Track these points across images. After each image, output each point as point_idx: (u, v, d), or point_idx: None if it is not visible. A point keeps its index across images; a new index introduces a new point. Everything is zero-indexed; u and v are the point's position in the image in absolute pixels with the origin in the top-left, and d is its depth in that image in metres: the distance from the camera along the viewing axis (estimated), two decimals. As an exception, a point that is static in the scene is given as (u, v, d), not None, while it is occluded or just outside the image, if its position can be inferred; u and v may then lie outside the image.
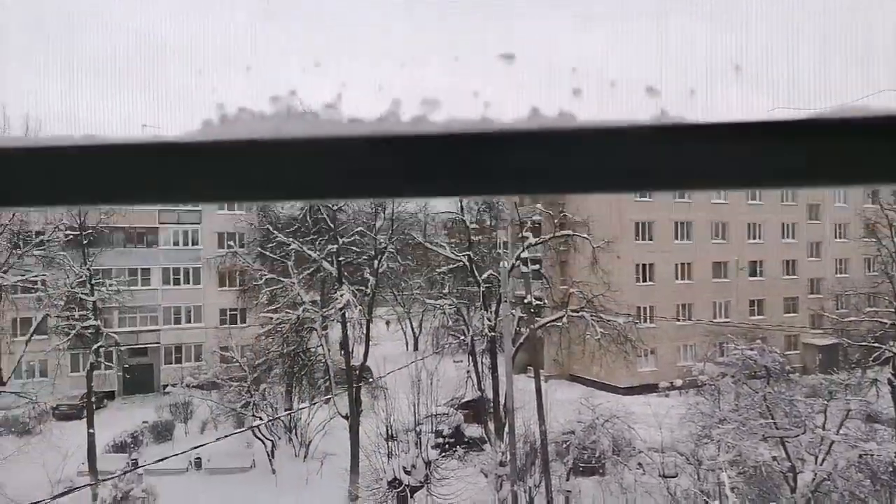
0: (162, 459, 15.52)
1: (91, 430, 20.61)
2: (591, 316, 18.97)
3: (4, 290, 21.61)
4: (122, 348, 24.82)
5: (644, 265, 30.46)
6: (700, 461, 15.60)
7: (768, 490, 14.19)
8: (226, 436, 16.90)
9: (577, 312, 19.48)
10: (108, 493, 19.57)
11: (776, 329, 25.80)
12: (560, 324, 19.65)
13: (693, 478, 16.37)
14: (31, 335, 21.95)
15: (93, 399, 21.65)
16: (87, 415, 21.30)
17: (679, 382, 24.34)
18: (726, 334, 22.43)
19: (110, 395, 29.92)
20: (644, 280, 30.43)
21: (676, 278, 31.31)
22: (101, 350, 21.62)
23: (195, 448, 17.74)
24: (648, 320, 27.93)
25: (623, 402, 20.46)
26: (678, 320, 28.48)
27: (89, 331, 21.39)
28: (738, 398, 16.39)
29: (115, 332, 24.56)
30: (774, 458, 13.59)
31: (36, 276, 21.51)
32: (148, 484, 20.07)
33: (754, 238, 33.75)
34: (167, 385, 28.91)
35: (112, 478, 19.66)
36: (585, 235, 20.20)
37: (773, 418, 14.35)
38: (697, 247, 31.51)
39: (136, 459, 21.09)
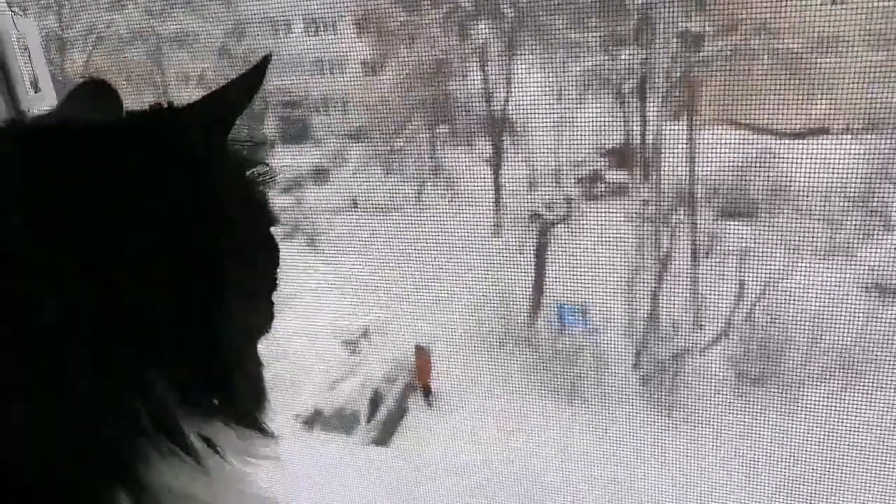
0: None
1: (260, 173, 22.93)
2: (762, 44, 16.55)
3: (164, 43, 22.95)
4: (277, 99, 26.14)
5: (837, -17, 25.32)
6: (869, 203, 14.32)
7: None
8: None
9: (746, 41, 17.04)
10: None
11: None
12: (723, 54, 17.43)
13: (857, 222, 15.23)
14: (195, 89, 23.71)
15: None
16: (255, 160, 23.57)
17: (860, 124, 21.56)
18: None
19: (270, 144, 32.76)
20: (835, 1, 25.48)
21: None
22: (257, 99, 23.03)
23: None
24: (833, 53, 24.02)
25: (788, 145, 18.71)
26: (873, 51, 24.19)
27: (244, 80, 22.64)
28: (934, 134, 14.27)
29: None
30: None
31: (188, 26, 22.44)
32: (313, 219, 22.60)
33: None
34: (319, 134, 30.82)
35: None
36: (766, -55, 16.83)
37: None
38: None
39: (300, 199, 23.46)
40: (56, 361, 0.31)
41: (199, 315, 0.39)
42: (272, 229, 0.44)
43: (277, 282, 0.47)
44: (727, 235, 16.71)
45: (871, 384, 12.20)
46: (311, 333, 14.27)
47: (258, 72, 0.38)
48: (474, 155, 22.31)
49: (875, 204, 14.31)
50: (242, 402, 0.46)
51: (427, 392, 13.09)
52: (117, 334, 0.34)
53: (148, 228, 0.38)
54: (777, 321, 12.41)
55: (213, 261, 0.39)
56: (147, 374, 0.37)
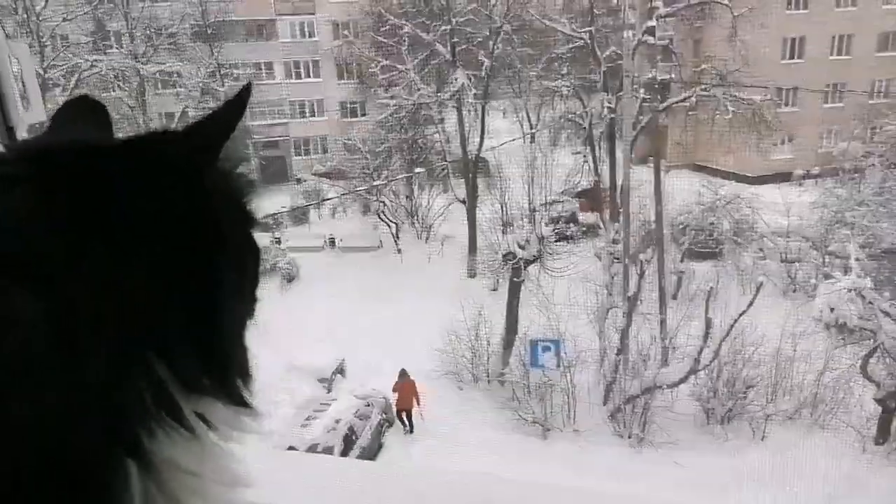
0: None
1: (237, 213, 23.06)
2: (724, 94, 17.40)
3: (148, 83, 23.33)
4: (257, 139, 26.56)
5: (793, 38, 26.61)
6: (827, 245, 14.95)
7: (898, 272, 13.54)
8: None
9: (708, 91, 17.91)
10: (258, 264, 22.43)
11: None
12: (687, 104, 18.26)
13: (816, 263, 15.83)
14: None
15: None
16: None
17: (817, 170, 22.48)
18: (882, 111, 19.75)
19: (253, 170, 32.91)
20: (791, 57, 26.75)
21: (831, 54, 27.26)
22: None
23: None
24: (790, 103, 25.18)
25: (750, 190, 19.47)
26: (826, 102, 25.37)
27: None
28: (885, 181, 15.08)
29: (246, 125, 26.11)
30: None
31: (171, 67, 22.88)
32: (291, 258, 22.66)
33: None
34: (298, 175, 31.15)
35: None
36: (725, 2, 17.89)
37: (921, 199, 13.18)
38: (862, 14, 26.51)
39: (279, 238, 23.58)
40: (72, 346, 0.38)
41: (197, 306, 0.47)
42: (253, 232, 0.50)
43: (260, 278, 0.53)
44: (694, 275, 17.24)
45: (829, 420, 12.56)
46: (285, 370, 14.25)
47: (241, 99, 0.46)
48: (450, 195, 22.77)
49: (832, 245, 14.90)
50: (233, 381, 0.52)
51: (409, 419, 13.11)
52: (126, 324, 0.42)
53: (153, 232, 0.46)
54: (741, 359, 12.75)
55: (210, 260, 0.48)
56: (149, 359, 0.44)
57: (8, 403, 0.36)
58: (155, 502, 0.43)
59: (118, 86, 23.32)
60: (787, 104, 25.73)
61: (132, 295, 0.43)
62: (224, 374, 0.52)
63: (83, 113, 0.61)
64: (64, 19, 21.75)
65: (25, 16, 20.88)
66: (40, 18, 20.57)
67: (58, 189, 0.45)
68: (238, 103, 0.54)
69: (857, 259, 13.10)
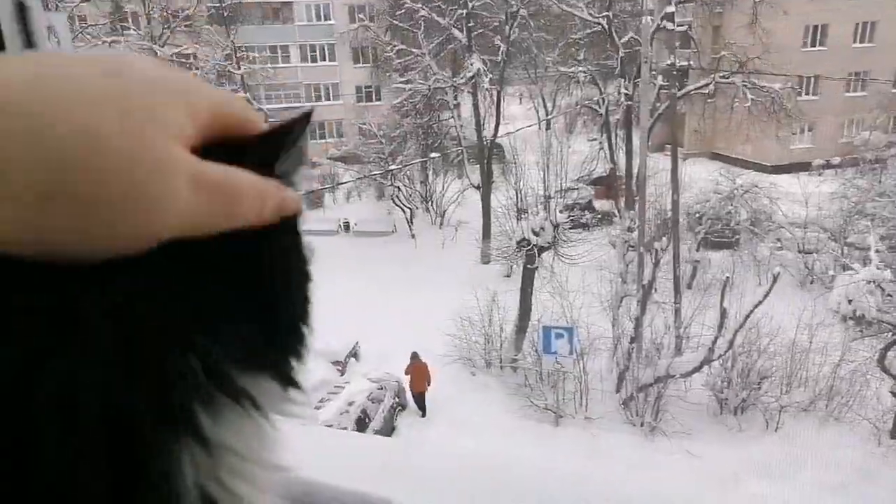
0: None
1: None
2: (743, 81, 17.15)
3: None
4: (271, 122, 26.61)
5: (815, 26, 26.10)
6: (846, 236, 14.76)
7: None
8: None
9: (728, 79, 17.65)
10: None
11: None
12: (706, 91, 18.03)
13: (835, 254, 15.65)
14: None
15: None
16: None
17: (837, 160, 22.13)
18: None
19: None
20: (813, 44, 26.28)
21: (854, 41, 26.72)
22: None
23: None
24: (811, 92, 24.75)
25: (768, 179, 19.23)
26: (848, 91, 24.90)
27: (241, 104, 23.15)
28: (906, 172, 14.83)
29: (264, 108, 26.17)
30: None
31: (187, 49, 22.95)
32: (306, 241, 22.76)
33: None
34: (313, 159, 31.22)
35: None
36: (747, -13, 17.64)
37: (944, 190, 12.97)
38: (887, 0, 25.98)
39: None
40: (131, 329, 0.36)
41: (250, 285, 0.47)
42: (301, 218, 0.50)
43: (310, 258, 0.52)
44: (709, 264, 17.11)
45: (845, 413, 12.47)
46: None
47: (305, 118, 0.45)
48: (464, 181, 22.72)
49: (851, 237, 14.71)
50: (286, 361, 0.51)
51: (421, 400, 13.16)
52: (180, 303, 0.43)
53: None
54: (756, 349, 12.67)
55: (261, 243, 0.48)
56: (204, 336, 0.40)
57: (73, 384, 0.37)
58: (206, 485, 0.42)
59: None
60: (807, 93, 25.32)
61: (186, 278, 0.43)
62: (278, 353, 0.52)
63: None
64: (83, 0, 21.85)
65: (44, -3, 20.96)
66: (59, -1, 20.55)
67: None
68: (302, 120, 0.53)
69: (876, 250, 12.94)
